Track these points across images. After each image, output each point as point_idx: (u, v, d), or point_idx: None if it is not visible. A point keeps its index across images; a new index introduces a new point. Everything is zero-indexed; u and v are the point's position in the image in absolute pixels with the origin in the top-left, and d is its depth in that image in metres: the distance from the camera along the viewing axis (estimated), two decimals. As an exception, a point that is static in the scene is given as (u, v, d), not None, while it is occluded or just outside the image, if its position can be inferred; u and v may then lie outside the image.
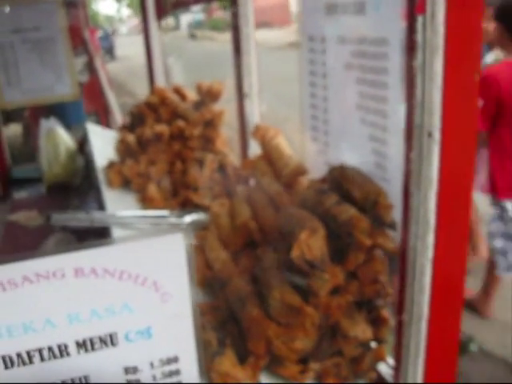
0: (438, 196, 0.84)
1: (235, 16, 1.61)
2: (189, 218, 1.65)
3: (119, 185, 1.92)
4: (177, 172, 1.92)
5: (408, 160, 0.89)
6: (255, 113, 1.68)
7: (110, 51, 17.56)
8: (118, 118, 4.95)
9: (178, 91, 2.34)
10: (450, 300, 0.92)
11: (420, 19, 0.77)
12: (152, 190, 1.78)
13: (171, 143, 1.97)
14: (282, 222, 1.08)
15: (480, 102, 2.27)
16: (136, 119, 2.76)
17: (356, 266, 0.98)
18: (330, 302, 0.96)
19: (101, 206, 1.84)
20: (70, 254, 0.72)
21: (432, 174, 0.83)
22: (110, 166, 1.98)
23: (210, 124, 1.96)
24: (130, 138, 2.11)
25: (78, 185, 2.72)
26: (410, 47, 0.83)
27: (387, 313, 1.06)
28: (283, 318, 0.95)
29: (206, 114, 1.92)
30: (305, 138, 1.36)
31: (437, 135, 0.81)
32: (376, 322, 1.04)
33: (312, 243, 0.93)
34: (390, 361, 1.13)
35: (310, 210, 1.05)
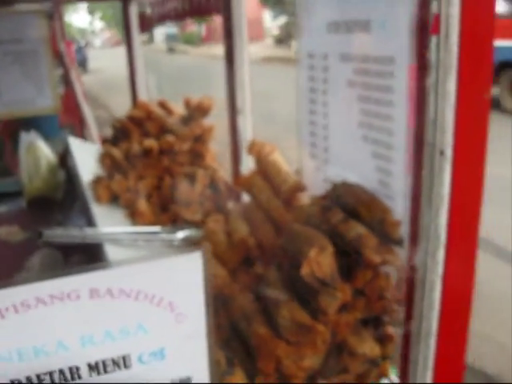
0: (449, 213, 0.85)
1: (228, 30, 1.62)
2: (181, 234, 1.63)
3: (107, 200, 1.89)
4: (166, 187, 1.89)
5: (416, 177, 0.90)
6: (248, 128, 1.68)
7: (82, 64, 17.37)
8: (94, 131, 4.89)
9: (163, 105, 2.33)
10: (459, 315, 0.93)
11: (434, 39, 0.79)
12: (142, 205, 1.75)
13: (160, 158, 1.95)
14: (286, 239, 1.07)
15: None
16: (119, 133, 2.73)
17: (364, 283, 0.98)
18: (338, 320, 0.96)
19: (89, 222, 1.81)
20: (86, 274, 0.70)
21: (443, 191, 0.84)
22: (98, 180, 1.94)
23: (200, 139, 1.95)
24: (117, 152, 2.08)
25: (59, 199, 2.66)
26: (421, 66, 0.84)
27: (392, 329, 1.06)
28: (293, 337, 0.95)
29: (196, 128, 1.91)
30: (302, 153, 1.36)
31: (449, 153, 0.82)
32: (381, 338, 1.04)
33: (321, 260, 0.93)
34: (393, 377, 1.13)
35: (316, 227, 1.04)
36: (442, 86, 0.80)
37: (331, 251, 0.95)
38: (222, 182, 1.81)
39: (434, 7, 0.78)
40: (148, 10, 2.59)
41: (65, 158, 2.95)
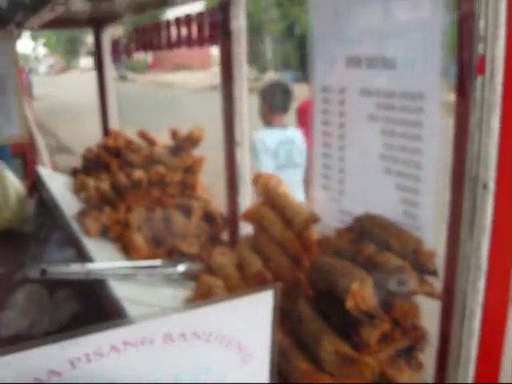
0: (491, 243, 0.89)
1: (226, 63, 1.63)
2: (182, 268, 1.60)
3: (97, 233, 1.82)
4: (157, 219, 1.86)
5: (455, 209, 0.93)
6: (246, 161, 1.68)
7: (27, 90, 16.85)
8: (47, 159, 4.74)
9: (144, 136, 2.30)
10: (496, 342, 0.96)
11: (479, 79, 0.83)
12: (138, 239, 1.71)
13: (149, 189, 1.91)
14: (316, 272, 1.07)
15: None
16: (91, 163, 2.66)
17: (401, 314, 0.99)
18: (379, 350, 0.96)
19: (79, 256, 1.73)
20: (160, 318, 0.67)
21: (486, 222, 0.88)
22: (86, 213, 1.88)
23: (190, 170, 1.93)
24: (104, 184, 2.02)
25: (28, 232, 2.54)
26: (462, 104, 0.88)
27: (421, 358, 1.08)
28: (337, 370, 0.94)
29: (187, 159, 1.90)
30: (313, 185, 1.38)
31: (492, 186, 0.86)
32: (413, 367, 1.05)
33: (364, 293, 0.94)
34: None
35: (346, 259, 1.05)
36: (487, 123, 0.84)
37: (371, 283, 0.96)
38: (217, 213, 1.79)
39: (480, 49, 0.82)
40: (124, 39, 2.56)
41: (33, 189, 2.84)
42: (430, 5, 0.97)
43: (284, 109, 2.95)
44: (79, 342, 0.63)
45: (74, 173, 2.66)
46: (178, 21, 1.89)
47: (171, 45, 1.87)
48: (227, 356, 0.74)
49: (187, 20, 1.73)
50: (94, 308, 1.84)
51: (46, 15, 1.95)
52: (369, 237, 1.09)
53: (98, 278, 1.40)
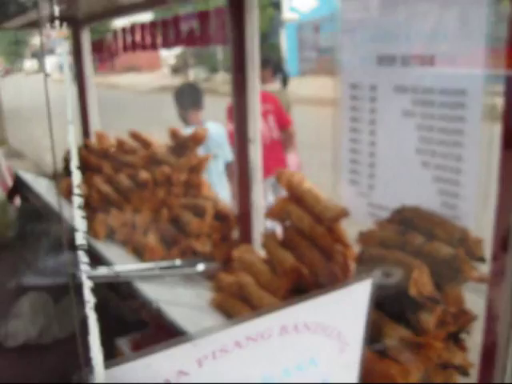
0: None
1: (239, 62, 1.64)
2: (201, 267, 1.60)
3: (104, 236, 1.79)
4: (164, 220, 1.84)
5: (504, 199, 0.99)
6: (259, 158, 1.69)
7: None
8: (3, 164, 4.59)
9: (136, 137, 2.26)
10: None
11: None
12: (152, 240, 1.69)
13: (155, 190, 1.89)
14: (365, 263, 1.11)
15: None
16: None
17: (453, 299, 1.04)
18: (436, 335, 1.01)
19: (95, 260, 1.69)
20: (277, 312, 0.69)
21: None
22: (92, 216, 1.83)
23: (194, 169, 1.92)
24: (105, 186, 1.98)
25: (13, 238, 2.44)
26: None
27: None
28: (402, 356, 0.98)
29: (193, 159, 1.89)
30: (338, 179, 1.41)
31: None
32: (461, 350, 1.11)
33: (424, 280, 0.98)
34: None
35: (395, 249, 1.09)
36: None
37: (427, 271, 1.00)
38: (229, 212, 1.80)
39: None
40: (108, 37, 2.51)
41: (14, 193, 2.73)
42: None
43: (197, 106, 3.11)
44: (207, 341, 0.64)
45: (55, 176, 2.58)
46: (178, 19, 1.88)
47: (172, 43, 1.86)
48: (328, 346, 0.76)
49: (201, 17, 1.72)
50: (103, 311, 1.80)
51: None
52: (413, 227, 1.13)
53: (125, 280, 1.38)
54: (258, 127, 1.68)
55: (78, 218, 0.56)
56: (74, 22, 2.70)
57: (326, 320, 0.73)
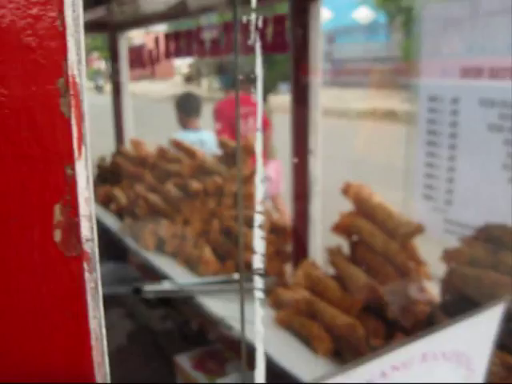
0: None
1: (299, 72, 1.60)
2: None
3: (154, 246, 1.75)
4: (215, 232, 1.80)
5: None
6: (319, 170, 1.65)
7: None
8: None
9: (179, 146, 2.23)
10: None
11: None
12: (207, 252, 1.64)
13: (205, 201, 1.85)
14: (458, 281, 1.06)
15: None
16: (107, 173, 2.57)
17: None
18: (540, 362, 0.96)
19: (142, 272, 1.65)
20: (420, 340, 0.64)
21: None
22: (134, 226, 1.80)
23: (247, 180, 1.88)
24: (152, 196, 1.94)
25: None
26: None
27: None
28: (502, 380, 0.93)
29: (245, 169, 1.85)
30: (411, 195, 1.37)
31: None
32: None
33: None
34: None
35: (486, 268, 1.05)
36: None
37: (530, 294, 0.96)
38: (285, 225, 1.75)
39: None
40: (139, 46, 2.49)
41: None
42: None
43: (196, 114, 3.42)
44: (357, 372, 0.59)
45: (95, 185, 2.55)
46: (228, 26, 1.85)
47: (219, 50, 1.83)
48: (459, 374, 0.71)
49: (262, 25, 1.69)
50: (146, 326, 1.76)
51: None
52: (501, 245, 1.09)
53: (188, 295, 1.33)
54: (320, 138, 1.64)
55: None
56: (110, 28, 2.69)
57: (460, 347, 0.69)
